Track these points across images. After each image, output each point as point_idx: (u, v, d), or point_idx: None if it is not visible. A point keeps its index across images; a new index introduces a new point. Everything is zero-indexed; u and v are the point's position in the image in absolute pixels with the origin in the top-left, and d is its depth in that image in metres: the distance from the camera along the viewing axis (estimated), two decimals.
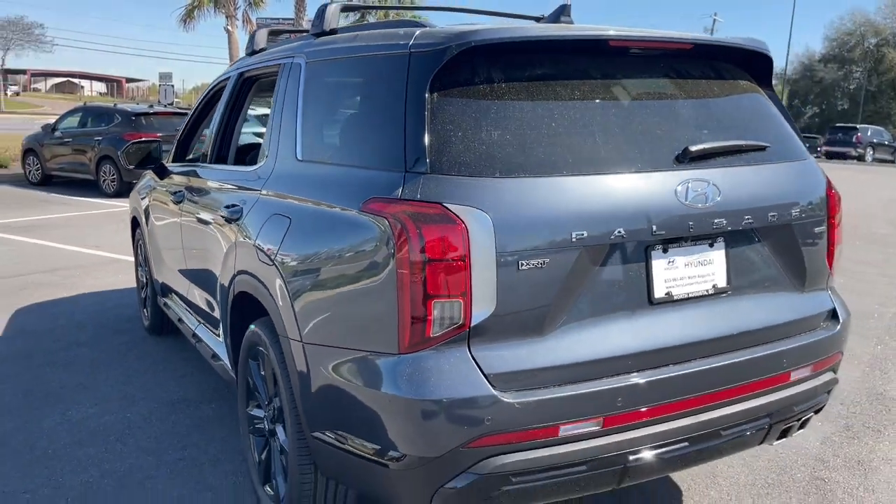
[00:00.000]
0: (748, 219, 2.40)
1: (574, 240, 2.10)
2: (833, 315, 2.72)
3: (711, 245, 2.39)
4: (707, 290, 2.37)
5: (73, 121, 14.59)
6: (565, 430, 2.11)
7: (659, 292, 2.28)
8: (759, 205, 2.43)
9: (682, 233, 2.28)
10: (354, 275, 2.22)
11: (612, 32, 2.36)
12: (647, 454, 2.24)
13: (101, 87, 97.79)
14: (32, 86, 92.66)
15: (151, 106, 15.37)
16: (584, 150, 2.23)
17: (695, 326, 2.35)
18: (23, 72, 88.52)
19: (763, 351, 2.44)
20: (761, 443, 2.60)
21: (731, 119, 2.61)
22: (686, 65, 2.59)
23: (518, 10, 4.05)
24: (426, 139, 2.10)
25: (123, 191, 12.27)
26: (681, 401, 2.28)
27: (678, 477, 3.26)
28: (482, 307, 2.03)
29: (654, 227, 2.22)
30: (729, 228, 2.36)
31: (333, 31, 2.99)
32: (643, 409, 2.21)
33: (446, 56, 2.16)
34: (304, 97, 2.86)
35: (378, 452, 2.16)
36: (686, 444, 2.32)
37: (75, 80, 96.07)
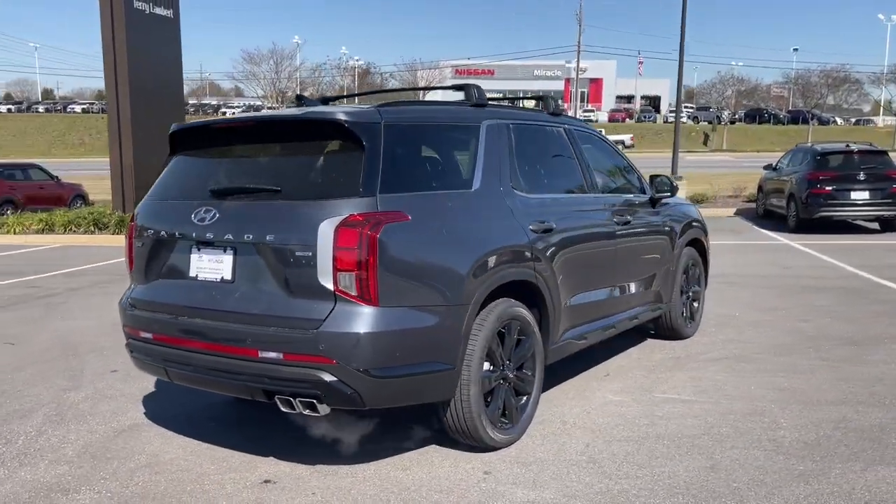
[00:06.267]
0: (228, 236, 3.58)
1: (147, 234, 3.97)
2: (314, 324, 3.33)
3: (225, 251, 3.65)
4: (216, 279, 3.68)
5: (787, 159, 15.91)
6: (142, 334, 3.99)
7: (193, 273, 3.79)
8: (239, 228, 3.56)
9: (190, 237, 3.73)
10: None
11: (212, 120, 4.04)
12: (173, 366, 3.85)
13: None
14: None
15: (848, 145, 14.91)
16: (175, 188, 4.03)
17: (206, 300, 3.71)
18: None
19: (234, 327, 3.56)
20: (255, 398, 3.59)
21: (276, 169, 3.77)
22: (268, 133, 3.92)
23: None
24: None
25: (802, 227, 13.62)
26: (185, 340, 3.76)
27: None
28: (131, 266, 4.16)
29: (176, 232, 3.80)
30: (212, 239, 3.63)
31: None
32: (168, 337, 3.84)
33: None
34: None
35: None
36: (191, 369, 3.77)
37: None
